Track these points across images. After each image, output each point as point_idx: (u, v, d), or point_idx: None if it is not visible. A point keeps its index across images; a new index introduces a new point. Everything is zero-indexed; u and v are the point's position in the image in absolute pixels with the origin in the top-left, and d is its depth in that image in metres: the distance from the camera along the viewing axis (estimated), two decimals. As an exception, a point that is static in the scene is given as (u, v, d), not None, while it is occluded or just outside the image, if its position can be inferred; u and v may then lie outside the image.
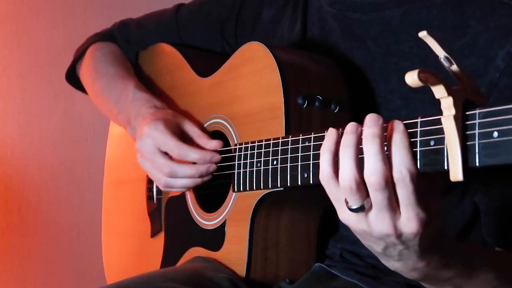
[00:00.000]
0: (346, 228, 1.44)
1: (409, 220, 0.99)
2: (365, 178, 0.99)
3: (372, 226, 1.02)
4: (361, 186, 1.00)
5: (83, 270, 2.72)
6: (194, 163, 1.51)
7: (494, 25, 1.33)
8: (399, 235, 1.01)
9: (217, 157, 1.50)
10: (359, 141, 1.01)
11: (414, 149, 0.98)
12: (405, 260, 1.07)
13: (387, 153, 0.99)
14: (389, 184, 0.98)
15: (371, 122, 1.00)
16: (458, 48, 1.34)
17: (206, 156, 1.49)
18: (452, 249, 1.11)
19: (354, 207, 1.01)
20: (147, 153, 1.53)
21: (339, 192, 1.03)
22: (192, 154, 1.49)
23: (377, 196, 0.99)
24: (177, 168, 1.50)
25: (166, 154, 1.51)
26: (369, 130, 1.00)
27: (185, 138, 1.55)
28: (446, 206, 1.38)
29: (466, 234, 1.42)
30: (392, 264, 1.10)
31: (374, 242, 1.05)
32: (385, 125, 1.01)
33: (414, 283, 1.40)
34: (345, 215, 1.04)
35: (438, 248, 1.07)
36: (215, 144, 1.51)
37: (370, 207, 1.01)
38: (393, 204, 0.99)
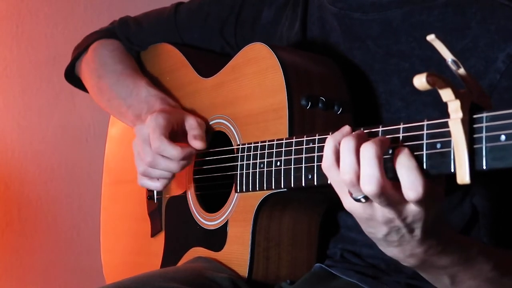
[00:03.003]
0: (347, 228, 1.46)
1: (416, 209, 1.01)
2: (360, 184, 1.00)
3: (377, 213, 1.04)
4: None
5: (83, 270, 2.71)
6: None
7: (494, 27, 1.33)
8: (404, 218, 1.03)
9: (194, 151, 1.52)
10: (362, 139, 1.02)
11: (420, 152, 0.98)
12: (404, 245, 1.08)
13: (390, 156, 1.01)
14: (386, 188, 0.99)
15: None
16: (459, 50, 1.34)
17: (186, 153, 1.50)
18: (450, 236, 1.12)
19: (358, 197, 1.03)
20: (140, 139, 1.54)
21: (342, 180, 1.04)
22: (170, 150, 1.49)
23: (375, 200, 1.01)
24: (159, 160, 1.51)
25: None
26: (371, 140, 1.01)
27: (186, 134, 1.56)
28: (446, 207, 1.39)
29: (465, 235, 1.42)
30: (391, 250, 1.11)
31: (377, 227, 1.07)
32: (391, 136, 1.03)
33: (415, 283, 1.40)
34: (349, 204, 1.06)
35: (437, 233, 1.08)
36: (199, 144, 1.53)
37: None
38: (396, 199, 1.01)
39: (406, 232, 1.05)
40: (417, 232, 1.05)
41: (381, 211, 1.03)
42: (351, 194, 1.04)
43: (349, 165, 1.01)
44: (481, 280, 1.18)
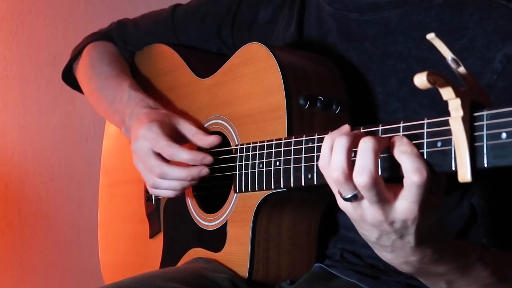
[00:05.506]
0: (346, 228, 1.45)
1: (407, 210, 1.00)
2: (353, 175, 1.00)
3: (366, 214, 1.03)
4: (350, 178, 1.01)
5: (83, 269, 2.72)
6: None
7: (492, 27, 1.33)
8: (391, 222, 1.02)
9: (209, 158, 1.49)
10: (357, 138, 1.02)
11: (420, 151, 0.98)
12: (398, 251, 1.08)
13: (387, 155, 1.00)
14: (378, 182, 0.99)
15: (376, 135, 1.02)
16: (456, 50, 1.33)
17: (197, 156, 1.48)
18: (447, 244, 1.12)
19: (346, 196, 1.03)
20: (141, 154, 1.52)
21: None
22: (183, 154, 1.48)
23: (365, 194, 1.01)
24: (168, 170, 1.49)
25: (159, 155, 1.50)
26: (370, 135, 1.01)
27: (181, 138, 1.54)
28: (445, 208, 1.38)
29: (463, 236, 1.42)
30: (385, 255, 1.11)
31: (368, 230, 1.06)
32: (389, 135, 1.02)
33: (415, 283, 1.40)
34: (341, 202, 1.06)
35: (433, 242, 1.08)
36: (212, 139, 1.50)
37: (363, 196, 1.02)
38: (386, 197, 1.00)
39: (397, 237, 1.05)
40: (409, 239, 1.05)
41: (370, 212, 1.02)
42: (340, 194, 1.04)
43: (336, 162, 1.01)
44: (478, 286, 1.18)
